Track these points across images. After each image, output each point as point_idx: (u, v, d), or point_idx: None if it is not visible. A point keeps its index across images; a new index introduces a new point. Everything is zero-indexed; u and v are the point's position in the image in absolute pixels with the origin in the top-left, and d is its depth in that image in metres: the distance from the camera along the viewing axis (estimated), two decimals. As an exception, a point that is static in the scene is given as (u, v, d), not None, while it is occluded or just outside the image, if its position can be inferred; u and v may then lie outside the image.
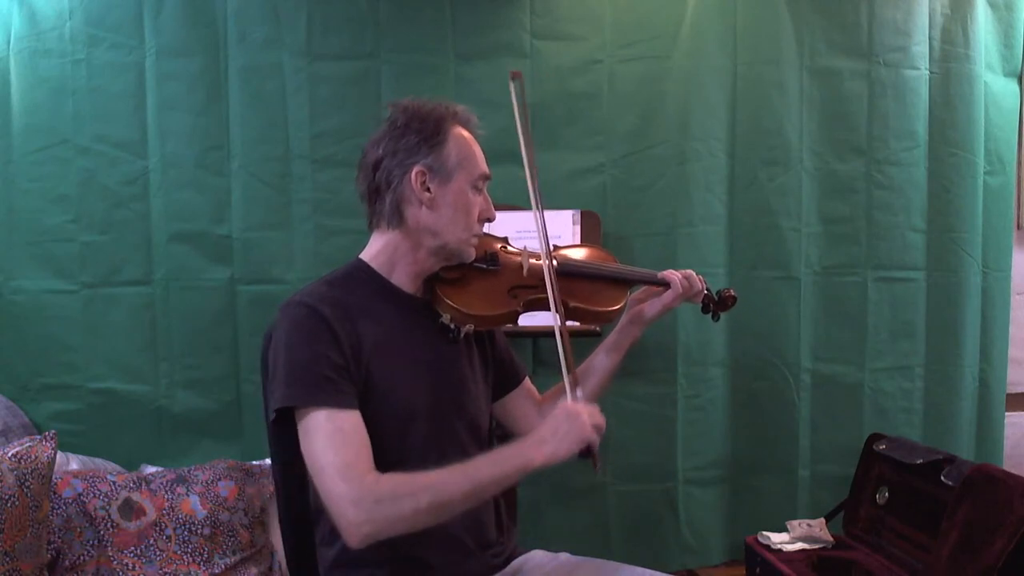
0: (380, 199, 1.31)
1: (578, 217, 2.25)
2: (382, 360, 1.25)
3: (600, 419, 1.19)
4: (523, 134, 1.34)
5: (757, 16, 2.45)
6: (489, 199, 1.36)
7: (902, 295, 2.55)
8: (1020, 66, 2.63)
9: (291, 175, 2.34)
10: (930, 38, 2.52)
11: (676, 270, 1.47)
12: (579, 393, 1.26)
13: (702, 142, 2.44)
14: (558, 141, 2.38)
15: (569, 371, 1.27)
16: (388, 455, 1.22)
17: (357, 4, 2.33)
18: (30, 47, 2.27)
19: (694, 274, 1.47)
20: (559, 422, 1.17)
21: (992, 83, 2.59)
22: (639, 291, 1.48)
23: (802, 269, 2.50)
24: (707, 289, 1.53)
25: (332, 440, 1.15)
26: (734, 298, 1.55)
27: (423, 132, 1.28)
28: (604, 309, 1.43)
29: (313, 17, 2.31)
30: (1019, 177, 2.70)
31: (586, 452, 1.17)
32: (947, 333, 2.57)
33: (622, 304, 1.45)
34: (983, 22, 2.55)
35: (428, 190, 1.28)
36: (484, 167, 1.34)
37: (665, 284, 1.45)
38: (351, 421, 1.18)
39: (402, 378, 1.27)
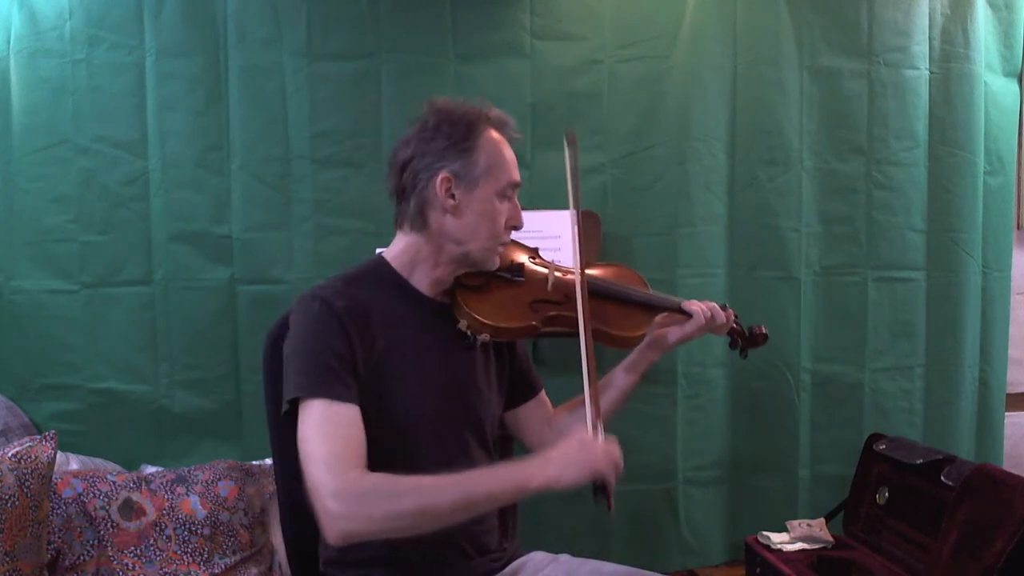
0: (405, 200, 1.29)
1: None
2: (393, 362, 1.24)
3: (617, 456, 1.14)
4: (572, 196, 1.32)
5: (757, 16, 2.45)
6: (518, 206, 1.33)
7: (902, 295, 2.55)
8: (1020, 66, 2.63)
9: (291, 175, 2.33)
10: (930, 38, 2.52)
11: (701, 301, 1.43)
12: (600, 429, 1.18)
13: (702, 142, 2.44)
14: (558, 141, 2.36)
15: (593, 402, 1.20)
16: (392, 457, 1.21)
17: (357, 4, 2.33)
18: (30, 47, 2.27)
19: (718, 307, 1.43)
20: (570, 447, 1.13)
21: (992, 83, 2.59)
22: (661, 316, 1.45)
23: (802, 269, 2.50)
24: (737, 324, 1.50)
25: (324, 429, 1.13)
26: (765, 336, 1.52)
27: (453, 136, 1.25)
28: (626, 334, 1.39)
29: (313, 17, 2.31)
30: (1019, 177, 2.70)
31: (601, 488, 1.11)
32: (947, 333, 2.57)
33: (644, 331, 1.41)
34: (983, 22, 2.55)
35: (453, 197, 1.25)
36: (514, 175, 1.30)
37: (688, 314, 1.42)
38: (348, 415, 1.16)
39: (412, 381, 1.26)
